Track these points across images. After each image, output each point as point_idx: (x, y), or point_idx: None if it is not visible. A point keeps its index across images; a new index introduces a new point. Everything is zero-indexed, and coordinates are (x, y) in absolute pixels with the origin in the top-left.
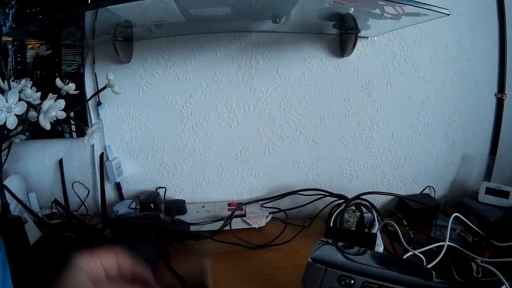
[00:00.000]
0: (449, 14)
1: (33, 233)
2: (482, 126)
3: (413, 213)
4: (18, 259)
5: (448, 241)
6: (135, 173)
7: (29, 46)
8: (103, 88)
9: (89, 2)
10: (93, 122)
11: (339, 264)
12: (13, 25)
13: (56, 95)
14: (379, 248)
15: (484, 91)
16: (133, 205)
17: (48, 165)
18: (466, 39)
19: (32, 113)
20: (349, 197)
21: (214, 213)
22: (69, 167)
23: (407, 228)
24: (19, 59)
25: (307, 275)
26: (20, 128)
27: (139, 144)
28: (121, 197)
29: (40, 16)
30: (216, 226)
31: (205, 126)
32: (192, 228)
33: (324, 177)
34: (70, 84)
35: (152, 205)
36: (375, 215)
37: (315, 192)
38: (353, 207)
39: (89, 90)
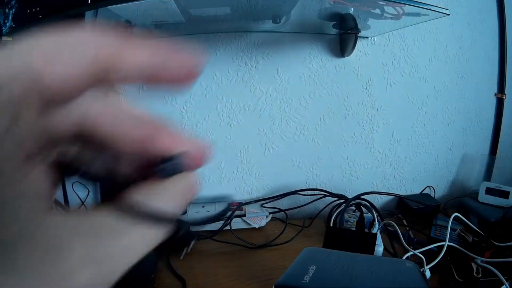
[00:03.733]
0: (449, 14)
1: None
2: (482, 126)
3: (413, 213)
4: None
5: (448, 241)
6: None
7: None
8: None
9: (89, 2)
10: None
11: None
12: (13, 25)
13: None
14: (379, 248)
15: (484, 91)
16: None
17: None
18: (466, 39)
19: None
20: (349, 197)
21: (214, 213)
22: None
23: (407, 228)
24: None
25: None
26: None
27: None
28: None
29: (40, 16)
30: (216, 226)
31: (205, 126)
32: (192, 228)
33: (324, 177)
34: None
35: None
36: (375, 215)
37: (315, 192)
38: (353, 207)
39: None
